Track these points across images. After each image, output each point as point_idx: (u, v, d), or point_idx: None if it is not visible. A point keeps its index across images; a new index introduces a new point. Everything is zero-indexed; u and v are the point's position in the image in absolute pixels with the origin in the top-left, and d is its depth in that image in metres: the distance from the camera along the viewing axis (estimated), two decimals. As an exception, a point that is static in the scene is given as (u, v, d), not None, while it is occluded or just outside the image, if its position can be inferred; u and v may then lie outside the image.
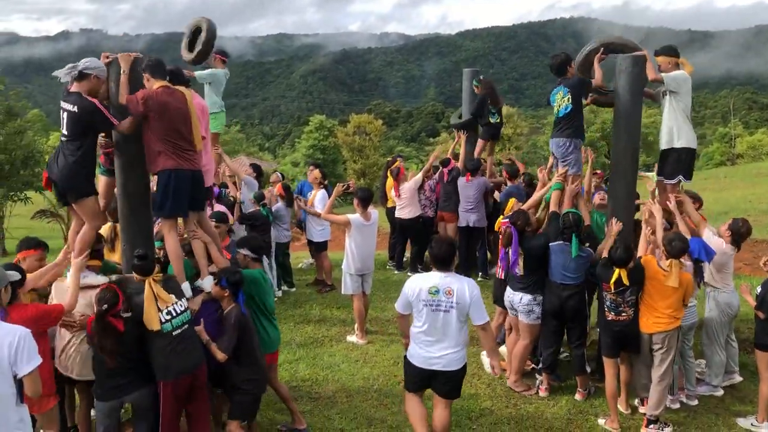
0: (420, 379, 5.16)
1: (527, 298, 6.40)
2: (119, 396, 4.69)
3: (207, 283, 5.26)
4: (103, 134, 5.46)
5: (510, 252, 6.41)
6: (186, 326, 4.82)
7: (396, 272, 10.91)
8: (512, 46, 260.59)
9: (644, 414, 5.90)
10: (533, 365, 6.91)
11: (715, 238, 6.25)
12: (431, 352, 4.98)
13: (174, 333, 4.72)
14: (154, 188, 5.27)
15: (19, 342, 3.56)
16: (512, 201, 7.19)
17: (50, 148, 28.21)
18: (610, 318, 5.89)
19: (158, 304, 4.64)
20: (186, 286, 5.11)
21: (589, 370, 6.58)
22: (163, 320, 4.67)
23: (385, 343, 7.81)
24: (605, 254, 5.99)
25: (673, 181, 6.59)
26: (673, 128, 6.49)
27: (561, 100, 6.82)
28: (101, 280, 5.04)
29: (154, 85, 5.10)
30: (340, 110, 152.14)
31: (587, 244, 6.34)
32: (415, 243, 10.74)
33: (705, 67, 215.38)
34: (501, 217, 7.02)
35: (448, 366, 4.98)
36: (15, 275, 4.34)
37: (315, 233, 10.00)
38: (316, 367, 7.22)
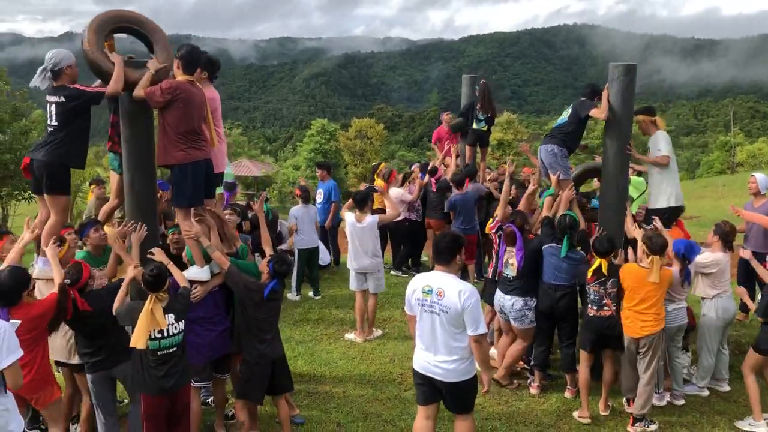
0: (424, 385, 4.79)
1: (519, 303, 6.54)
2: (103, 368, 5.02)
3: (203, 272, 5.42)
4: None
5: (513, 250, 6.59)
6: (174, 349, 4.78)
7: (392, 272, 11.12)
8: (515, 53, 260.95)
9: (630, 413, 6.08)
10: (524, 365, 7.10)
11: (707, 254, 6.44)
12: (429, 358, 4.70)
13: (159, 353, 4.71)
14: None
15: None
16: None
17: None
18: (593, 314, 6.09)
19: (150, 324, 4.62)
20: (205, 270, 5.35)
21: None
22: (153, 337, 4.67)
23: (382, 342, 8.01)
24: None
25: (648, 227, 6.99)
26: (653, 190, 7.13)
27: (564, 112, 7.20)
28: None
29: (179, 77, 5.26)
30: (342, 114, 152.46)
31: (579, 247, 6.53)
32: (403, 245, 10.99)
33: (709, 75, 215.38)
34: (490, 220, 7.26)
35: (446, 377, 4.62)
36: None
37: None
38: (314, 363, 7.42)
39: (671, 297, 6.17)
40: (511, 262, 6.63)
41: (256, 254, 6.81)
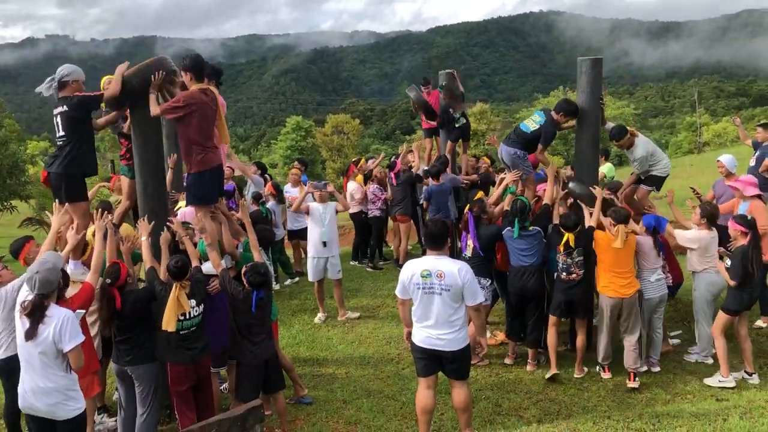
0: (425, 359, 5.26)
1: (482, 281, 6.91)
2: (122, 363, 5.35)
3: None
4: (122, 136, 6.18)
5: (468, 235, 7.12)
6: (195, 328, 5.39)
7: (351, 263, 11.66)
8: (483, 41, 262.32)
9: (606, 378, 6.75)
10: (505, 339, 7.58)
11: (694, 232, 6.94)
12: (430, 333, 5.15)
13: (182, 332, 5.31)
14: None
15: (63, 323, 4.26)
16: (480, 193, 7.95)
17: (29, 156, 28.58)
18: (563, 277, 6.78)
19: (177, 309, 5.18)
20: (227, 259, 5.81)
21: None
22: (177, 319, 5.22)
23: (377, 326, 8.53)
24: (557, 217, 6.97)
25: (648, 188, 7.76)
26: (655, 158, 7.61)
27: (530, 121, 7.60)
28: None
29: (193, 86, 5.68)
30: (313, 110, 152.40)
31: (530, 227, 6.99)
32: (359, 235, 11.54)
33: (675, 57, 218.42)
34: (467, 207, 7.83)
35: (448, 347, 5.13)
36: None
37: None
38: (315, 348, 7.92)
39: (651, 267, 6.74)
40: (469, 243, 7.19)
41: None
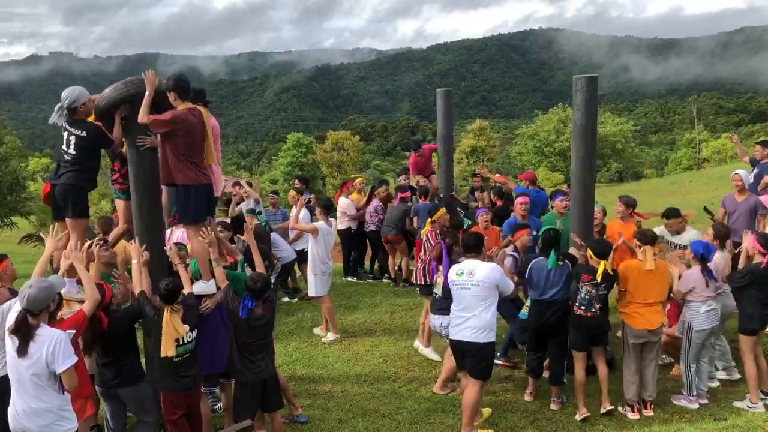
0: (456, 353, 6.17)
1: (447, 320, 6.38)
2: (110, 386, 5.28)
3: (209, 286, 5.76)
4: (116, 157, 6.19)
5: (439, 265, 6.75)
6: (188, 355, 5.31)
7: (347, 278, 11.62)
8: (484, 59, 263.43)
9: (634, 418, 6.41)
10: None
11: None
12: (458, 325, 5.98)
13: (175, 359, 5.21)
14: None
15: (55, 344, 4.21)
16: (442, 210, 7.85)
17: (30, 173, 28.63)
18: (580, 313, 6.36)
19: (172, 333, 5.11)
20: (211, 284, 5.71)
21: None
22: None
23: (374, 344, 8.47)
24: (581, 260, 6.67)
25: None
26: None
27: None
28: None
29: (179, 105, 5.68)
30: (314, 126, 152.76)
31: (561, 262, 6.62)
32: (352, 251, 11.52)
33: (674, 73, 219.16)
34: (429, 222, 7.76)
35: (469, 338, 5.89)
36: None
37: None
38: (311, 366, 7.86)
39: (701, 298, 6.40)
40: (438, 281, 6.72)
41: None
